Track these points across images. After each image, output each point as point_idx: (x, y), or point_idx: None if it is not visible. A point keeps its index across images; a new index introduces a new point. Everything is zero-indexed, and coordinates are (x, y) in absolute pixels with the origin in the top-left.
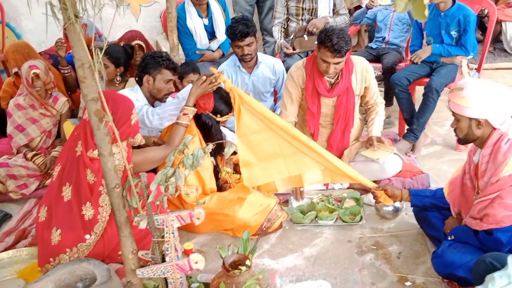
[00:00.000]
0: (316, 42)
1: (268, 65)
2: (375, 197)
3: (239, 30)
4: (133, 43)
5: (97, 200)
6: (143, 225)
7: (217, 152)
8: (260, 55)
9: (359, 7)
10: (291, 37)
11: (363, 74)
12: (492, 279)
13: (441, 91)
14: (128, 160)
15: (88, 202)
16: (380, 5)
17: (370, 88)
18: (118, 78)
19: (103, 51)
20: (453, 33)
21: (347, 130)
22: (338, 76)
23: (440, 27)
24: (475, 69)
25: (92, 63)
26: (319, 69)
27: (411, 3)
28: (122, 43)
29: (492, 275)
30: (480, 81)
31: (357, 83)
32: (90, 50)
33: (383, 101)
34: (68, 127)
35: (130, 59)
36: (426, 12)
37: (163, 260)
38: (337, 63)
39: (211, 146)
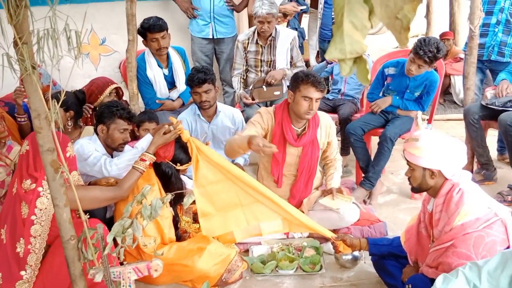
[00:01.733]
0: (288, 88)
1: (228, 115)
2: (334, 247)
3: (197, 76)
4: (112, 86)
5: (28, 230)
6: (98, 278)
7: (177, 201)
8: (220, 105)
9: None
10: (250, 87)
11: (327, 129)
12: None
13: (395, 140)
14: None
15: (21, 239)
16: None
17: (332, 144)
18: (70, 123)
19: (60, 101)
20: (416, 94)
21: (310, 181)
22: (305, 127)
23: (407, 87)
24: (427, 120)
25: (48, 113)
26: (298, 113)
27: (356, 67)
28: (73, 91)
29: None
30: (434, 133)
31: (321, 137)
32: (46, 99)
33: (341, 158)
34: None
35: (82, 104)
36: (369, 76)
37: None
38: (318, 100)
39: (169, 196)
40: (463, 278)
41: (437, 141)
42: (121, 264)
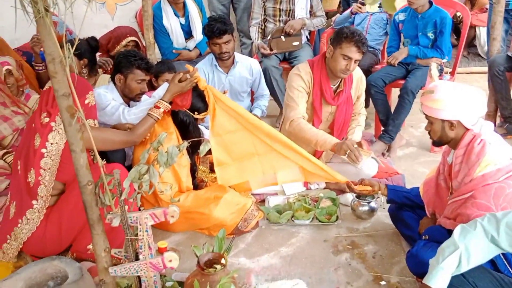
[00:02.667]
0: (330, 43)
1: (245, 65)
2: (348, 186)
3: (217, 27)
4: (127, 39)
5: (38, 163)
6: (116, 222)
7: (195, 150)
8: (237, 55)
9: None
10: (269, 37)
11: (358, 83)
12: (442, 250)
13: (417, 93)
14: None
15: (32, 169)
16: (367, 12)
17: (360, 98)
18: (84, 71)
19: (74, 46)
20: (430, 35)
21: (341, 138)
22: (340, 84)
23: (417, 28)
24: (450, 72)
25: (63, 57)
26: (334, 70)
27: None
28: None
29: (441, 246)
30: (450, 83)
31: (354, 92)
32: (62, 47)
33: (365, 113)
34: None
35: (95, 52)
36: (396, 4)
37: (137, 258)
38: (357, 61)
39: (186, 144)
40: (481, 230)
41: (453, 91)
42: (139, 210)
